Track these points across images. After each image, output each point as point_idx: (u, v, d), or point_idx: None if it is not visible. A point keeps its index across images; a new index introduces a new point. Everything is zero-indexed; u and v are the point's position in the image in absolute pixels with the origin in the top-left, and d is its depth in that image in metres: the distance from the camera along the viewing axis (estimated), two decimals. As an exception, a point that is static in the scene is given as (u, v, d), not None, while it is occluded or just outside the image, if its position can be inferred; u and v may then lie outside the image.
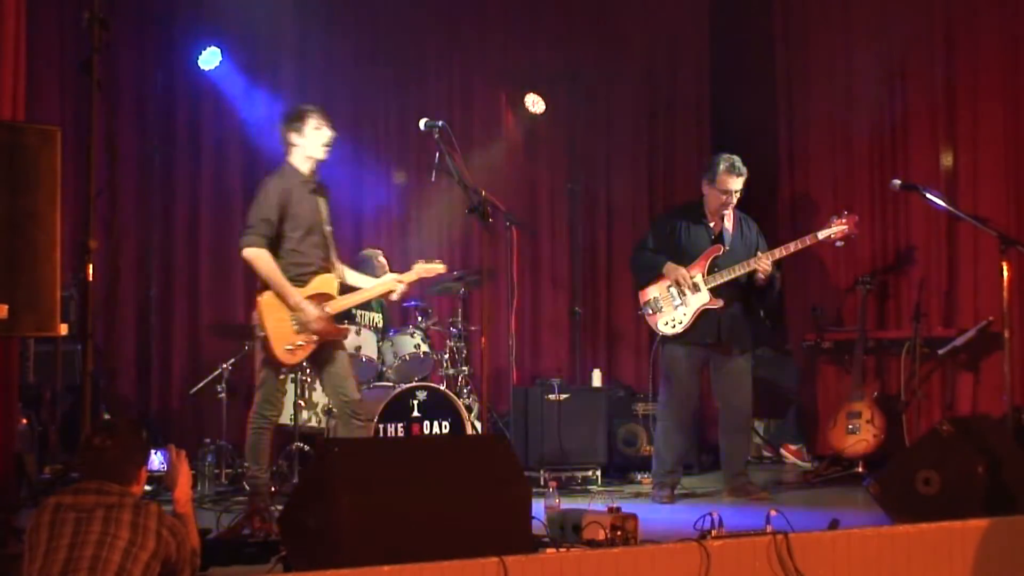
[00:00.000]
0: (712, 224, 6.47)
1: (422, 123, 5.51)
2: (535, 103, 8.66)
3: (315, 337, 5.37)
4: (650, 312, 6.46)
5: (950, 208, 6.69)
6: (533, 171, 8.87)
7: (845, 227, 6.24)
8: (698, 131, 9.26)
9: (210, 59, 7.60)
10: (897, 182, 6.73)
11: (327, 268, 5.57)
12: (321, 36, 8.15)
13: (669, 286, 6.37)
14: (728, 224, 6.49)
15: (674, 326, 6.37)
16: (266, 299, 5.36)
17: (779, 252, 6.29)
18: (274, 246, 5.38)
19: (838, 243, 6.40)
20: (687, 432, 6.62)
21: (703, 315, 6.32)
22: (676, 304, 6.36)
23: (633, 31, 9.03)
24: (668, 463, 6.47)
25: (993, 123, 7.38)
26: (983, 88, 7.46)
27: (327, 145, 5.55)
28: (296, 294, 5.35)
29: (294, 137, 5.51)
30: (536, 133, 8.83)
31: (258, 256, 5.33)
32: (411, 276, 5.82)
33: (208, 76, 7.69)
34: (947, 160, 7.63)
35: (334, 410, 5.78)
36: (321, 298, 5.43)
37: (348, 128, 8.21)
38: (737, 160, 6.43)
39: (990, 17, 7.43)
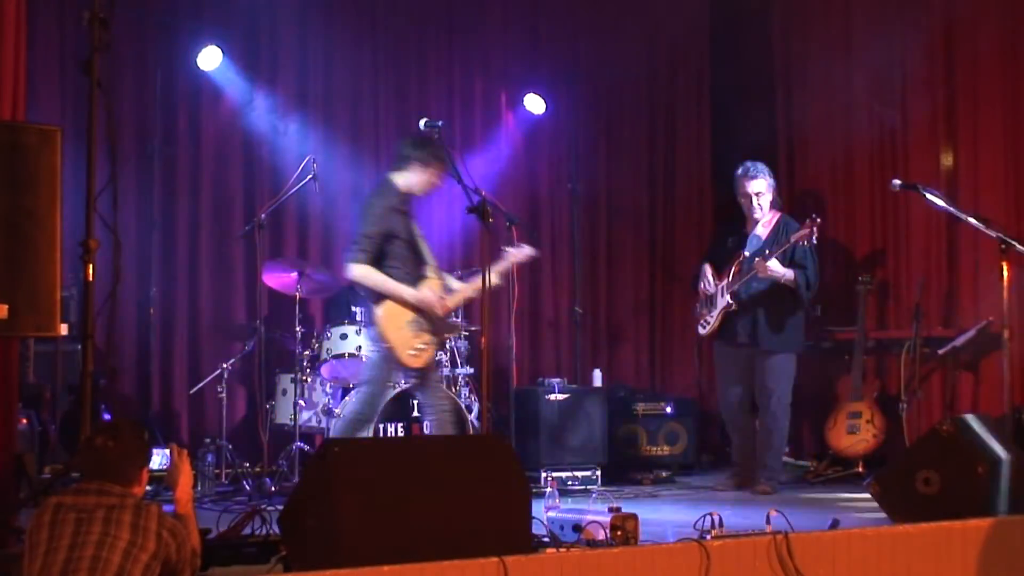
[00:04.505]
0: (747, 230, 6.85)
1: (422, 123, 5.51)
2: (535, 103, 8.66)
3: (434, 339, 5.67)
4: (696, 316, 7.00)
5: (950, 208, 6.69)
6: (533, 171, 8.87)
7: (806, 231, 6.48)
8: (698, 131, 9.26)
9: (210, 59, 7.60)
10: (897, 182, 6.74)
11: (427, 273, 5.80)
12: (321, 36, 8.15)
13: (709, 293, 6.86)
14: (762, 229, 6.82)
15: (704, 326, 6.93)
16: (385, 309, 5.59)
17: (770, 254, 6.57)
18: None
19: (805, 243, 6.53)
20: (743, 431, 6.97)
21: (729, 316, 6.76)
22: (710, 308, 6.85)
23: (633, 32, 9.02)
24: (734, 458, 7.04)
25: (993, 123, 7.38)
26: (983, 88, 7.46)
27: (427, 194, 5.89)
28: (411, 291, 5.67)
29: (417, 166, 5.72)
30: (536, 133, 8.82)
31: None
32: (503, 265, 5.95)
33: (208, 76, 7.69)
34: (947, 160, 7.63)
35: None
36: None
37: (347, 128, 8.25)
38: (751, 165, 6.89)
39: (990, 17, 7.43)
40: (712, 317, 6.82)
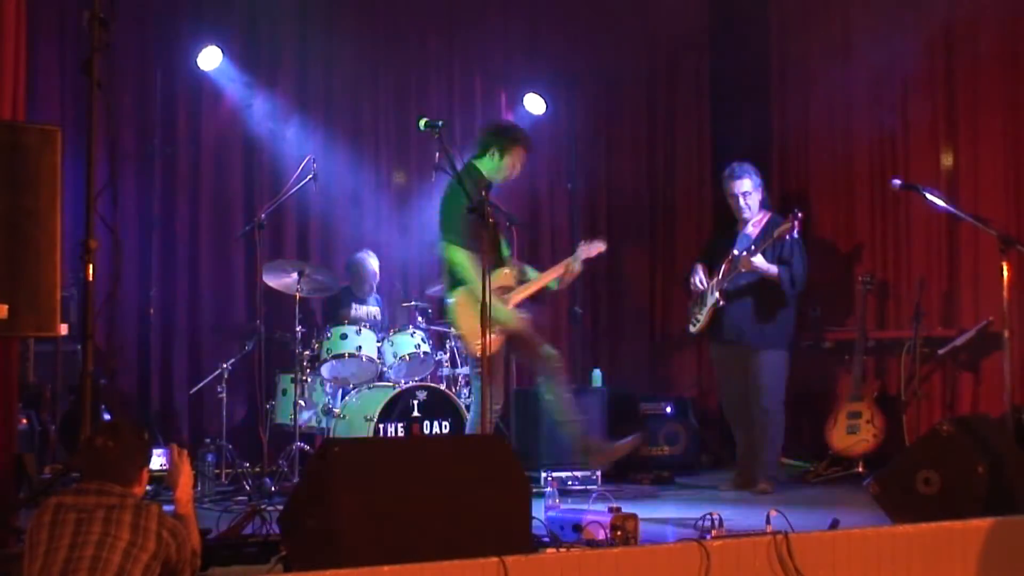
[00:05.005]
0: (737, 230, 6.89)
1: (422, 123, 5.51)
2: (535, 103, 8.65)
3: (499, 329, 5.67)
4: (689, 315, 7.03)
5: (950, 208, 6.69)
6: (533, 171, 8.85)
7: (787, 225, 6.50)
8: (698, 131, 9.25)
9: (210, 59, 7.60)
10: (897, 182, 6.74)
11: (503, 263, 5.88)
12: (321, 36, 8.15)
13: (700, 291, 6.87)
14: (752, 229, 6.85)
15: (694, 324, 6.96)
16: (458, 299, 5.71)
17: (755, 250, 6.61)
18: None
19: (787, 237, 6.56)
20: (745, 429, 6.93)
21: (717, 314, 6.79)
22: (700, 306, 6.88)
23: (633, 31, 9.02)
24: (738, 458, 7.04)
25: (993, 124, 7.37)
26: (983, 89, 7.45)
27: (507, 180, 6.00)
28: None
29: (495, 152, 5.89)
30: (536, 133, 8.81)
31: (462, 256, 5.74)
32: (578, 257, 6.07)
33: (208, 76, 7.69)
34: (947, 160, 7.62)
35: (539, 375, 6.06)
36: (501, 291, 5.78)
37: (347, 128, 8.25)
38: (737, 166, 6.92)
39: (990, 18, 7.42)
40: (702, 315, 6.86)
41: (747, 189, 6.83)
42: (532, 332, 5.95)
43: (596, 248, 6.18)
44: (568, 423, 5.95)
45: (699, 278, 6.86)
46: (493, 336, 5.61)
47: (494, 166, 5.93)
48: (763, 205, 6.92)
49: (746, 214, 6.86)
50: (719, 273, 6.77)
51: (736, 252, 6.71)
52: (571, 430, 5.97)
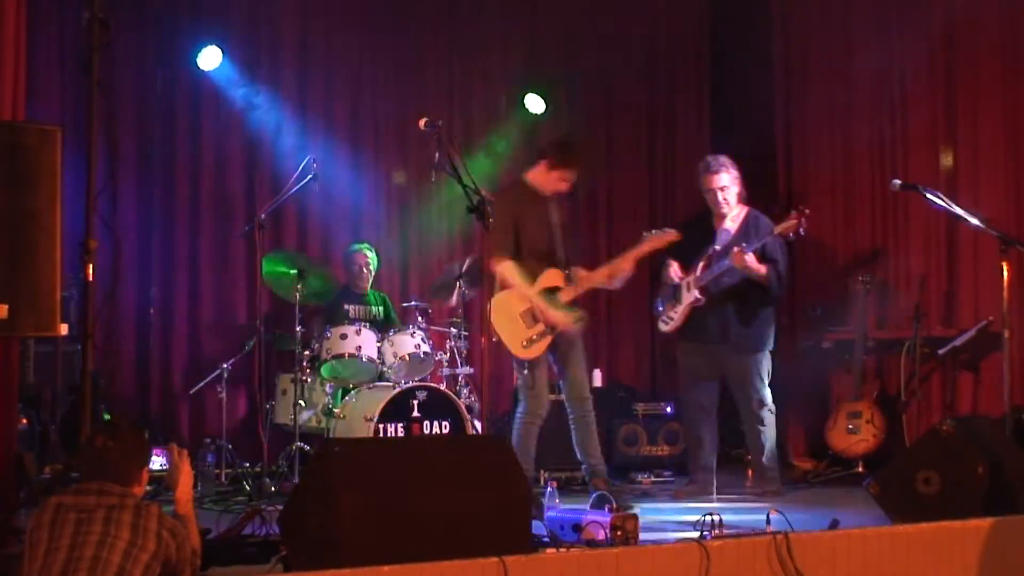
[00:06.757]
0: (716, 226, 6.62)
1: (422, 123, 5.51)
2: (535, 103, 8.65)
3: (550, 329, 5.78)
4: (657, 311, 6.78)
5: (950, 208, 6.69)
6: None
7: (795, 222, 6.32)
8: (698, 131, 9.25)
9: (210, 59, 7.60)
10: (897, 182, 6.72)
11: (554, 263, 5.96)
12: (321, 36, 8.15)
13: (672, 286, 6.62)
14: (731, 224, 6.61)
15: (667, 322, 6.68)
16: (495, 302, 5.72)
17: (747, 247, 6.37)
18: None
19: (791, 235, 6.41)
20: (703, 430, 6.69)
21: (694, 313, 6.53)
22: (673, 303, 6.61)
23: (633, 31, 9.02)
24: (694, 460, 6.75)
25: (993, 123, 7.38)
26: (983, 88, 7.46)
27: (559, 192, 6.03)
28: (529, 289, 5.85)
29: (545, 163, 6.00)
30: (536, 133, 8.81)
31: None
32: (642, 249, 6.03)
33: (208, 76, 7.69)
34: (947, 160, 7.63)
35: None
36: (549, 290, 5.86)
37: (347, 128, 8.25)
38: (712, 159, 6.69)
39: (990, 17, 7.43)
40: (676, 313, 6.59)
41: (725, 183, 6.56)
42: (580, 352, 6.03)
43: (665, 238, 6.08)
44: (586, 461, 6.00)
45: (674, 271, 6.59)
46: (541, 336, 5.75)
47: (542, 178, 6.02)
48: (740, 199, 6.65)
49: (724, 209, 6.59)
50: (696, 270, 6.52)
51: (717, 248, 6.49)
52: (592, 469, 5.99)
